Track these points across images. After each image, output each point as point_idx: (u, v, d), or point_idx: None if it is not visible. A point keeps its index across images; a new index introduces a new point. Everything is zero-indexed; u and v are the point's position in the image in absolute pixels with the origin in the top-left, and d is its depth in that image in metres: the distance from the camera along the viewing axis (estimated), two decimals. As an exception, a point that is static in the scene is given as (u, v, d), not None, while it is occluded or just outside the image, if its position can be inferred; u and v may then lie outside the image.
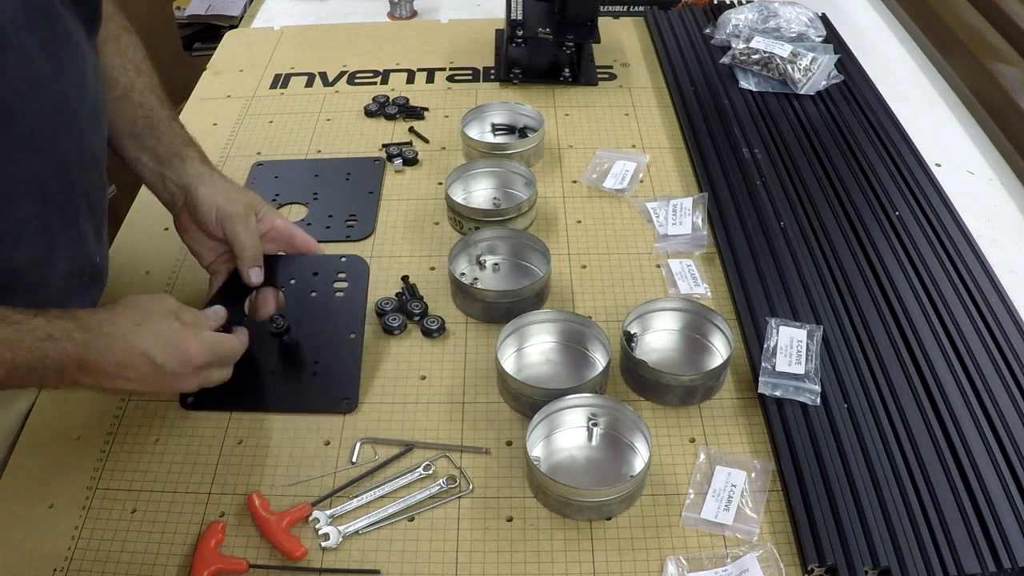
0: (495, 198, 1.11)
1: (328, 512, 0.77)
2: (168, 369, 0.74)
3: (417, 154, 1.19)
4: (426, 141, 1.22)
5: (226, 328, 0.83)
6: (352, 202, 1.11)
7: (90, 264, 0.86)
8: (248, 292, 0.90)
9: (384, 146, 1.21)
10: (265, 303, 0.90)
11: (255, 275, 0.88)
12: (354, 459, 0.81)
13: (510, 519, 0.76)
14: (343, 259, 0.93)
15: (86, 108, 0.79)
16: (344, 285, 0.92)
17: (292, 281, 0.92)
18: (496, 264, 1.01)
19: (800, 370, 0.85)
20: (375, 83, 1.36)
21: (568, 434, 0.82)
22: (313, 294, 0.91)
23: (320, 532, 0.75)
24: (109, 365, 0.71)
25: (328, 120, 1.28)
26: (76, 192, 0.81)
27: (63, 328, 0.70)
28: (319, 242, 1.04)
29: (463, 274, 0.98)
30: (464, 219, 1.04)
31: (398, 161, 1.17)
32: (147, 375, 0.73)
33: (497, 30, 1.47)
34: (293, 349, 0.88)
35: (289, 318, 0.88)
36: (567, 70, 1.32)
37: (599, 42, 1.30)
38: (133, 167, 0.91)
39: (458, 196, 1.08)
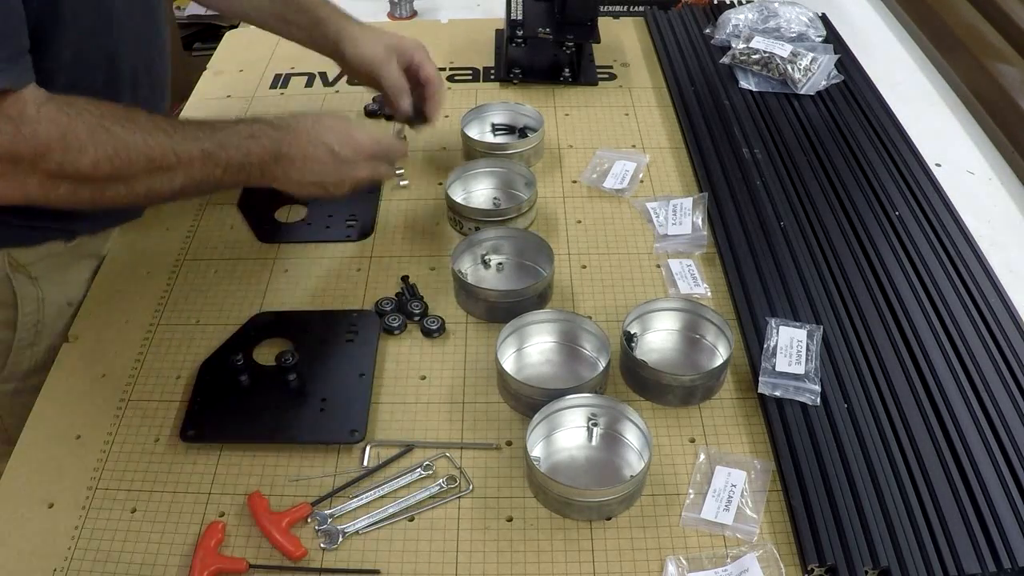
0: (495, 198, 1.11)
1: (328, 512, 0.77)
2: (343, 156, 0.90)
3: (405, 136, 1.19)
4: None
5: None
6: (352, 202, 1.11)
7: None
8: None
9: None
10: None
11: (404, 104, 1.04)
12: (365, 462, 0.81)
13: (510, 519, 0.76)
14: (354, 314, 0.95)
15: (158, 14, 0.96)
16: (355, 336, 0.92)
17: (303, 333, 0.93)
18: (500, 264, 1.01)
19: (800, 370, 0.85)
20: (375, 83, 1.36)
21: (568, 434, 0.82)
22: (323, 343, 0.92)
23: (320, 532, 0.75)
24: (297, 155, 0.88)
25: (328, 120, 1.27)
26: (156, 86, 0.97)
27: (261, 129, 0.87)
28: (319, 242, 1.05)
29: (466, 273, 0.97)
30: (464, 219, 1.04)
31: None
32: (327, 163, 0.90)
33: (497, 30, 1.47)
34: (301, 387, 0.87)
35: (298, 362, 0.88)
36: (567, 70, 1.32)
37: (599, 42, 1.30)
38: (289, 38, 1.10)
39: (458, 196, 1.08)
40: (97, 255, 1.04)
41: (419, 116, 1.06)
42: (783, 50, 1.30)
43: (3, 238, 0.91)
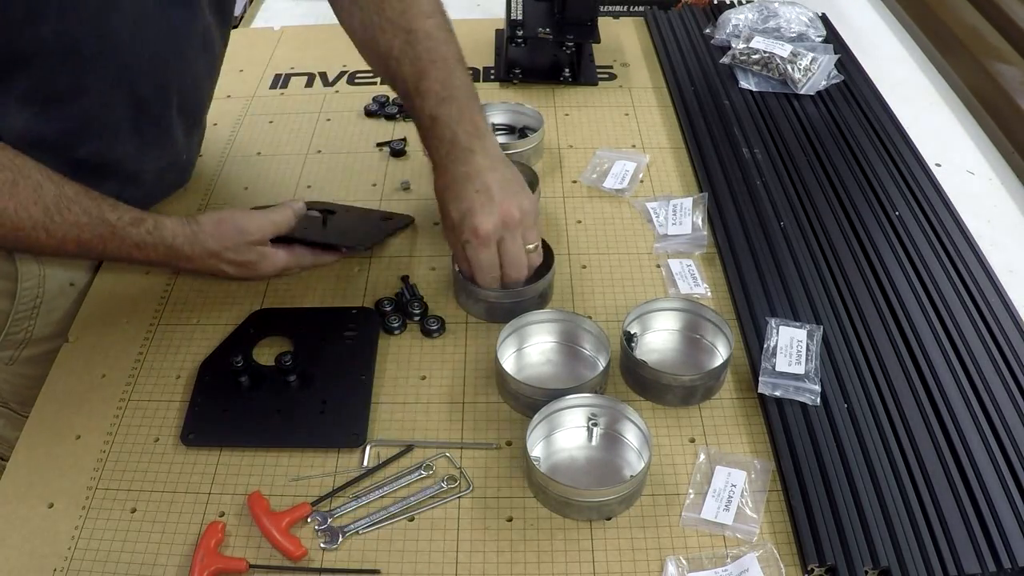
0: (496, 198, 1.11)
1: (328, 512, 0.77)
2: (242, 277, 0.93)
3: (405, 144, 1.20)
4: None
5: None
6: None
7: (178, 161, 1.04)
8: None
9: (378, 145, 1.21)
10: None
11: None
12: (365, 462, 0.81)
13: (510, 519, 0.76)
14: (353, 311, 0.95)
15: (192, 41, 0.93)
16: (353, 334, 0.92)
17: (302, 331, 0.92)
18: (499, 264, 1.01)
19: (800, 370, 0.85)
20: (375, 83, 1.36)
21: (568, 434, 0.82)
22: (323, 341, 0.92)
23: (320, 532, 0.75)
24: (187, 269, 0.92)
25: (328, 120, 1.27)
26: (170, 105, 0.96)
27: (152, 243, 0.85)
28: (330, 250, 1.02)
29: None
30: (464, 219, 1.04)
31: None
32: (224, 276, 0.92)
33: (497, 30, 1.47)
34: (300, 390, 0.87)
35: (298, 363, 0.88)
36: (567, 70, 1.32)
37: (599, 42, 1.30)
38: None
39: (458, 196, 1.08)
40: None
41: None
42: (783, 50, 1.30)
43: None
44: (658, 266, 1.01)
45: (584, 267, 1.01)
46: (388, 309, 0.95)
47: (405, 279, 0.99)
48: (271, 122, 1.28)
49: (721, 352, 0.88)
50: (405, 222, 1.07)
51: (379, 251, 1.04)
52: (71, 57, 0.82)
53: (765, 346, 0.87)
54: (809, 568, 0.72)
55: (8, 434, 0.84)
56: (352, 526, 0.76)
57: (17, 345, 0.99)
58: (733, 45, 1.35)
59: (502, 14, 1.34)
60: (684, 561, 0.72)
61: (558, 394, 0.81)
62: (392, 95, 1.31)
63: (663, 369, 0.85)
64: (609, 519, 0.76)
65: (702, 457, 0.80)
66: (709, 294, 0.97)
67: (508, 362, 0.88)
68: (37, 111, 0.84)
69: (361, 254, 1.02)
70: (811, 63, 1.28)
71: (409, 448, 0.82)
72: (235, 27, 1.55)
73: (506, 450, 0.82)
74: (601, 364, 0.87)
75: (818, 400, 0.83)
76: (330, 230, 1.01)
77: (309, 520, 0.76)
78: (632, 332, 0.89)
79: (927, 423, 0.82)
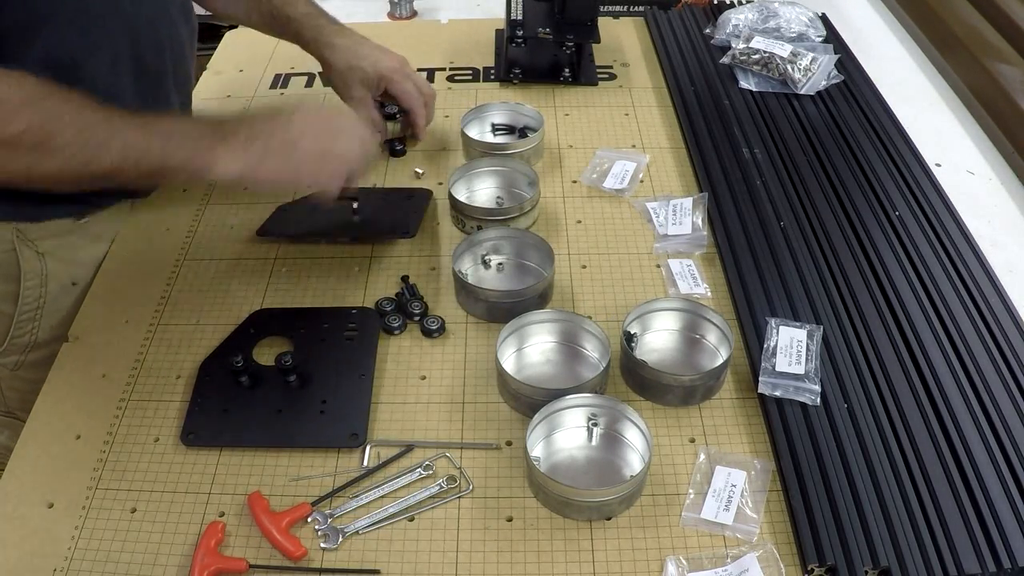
0: (498, 197, 1.11)
1: (328, 512, 0.77)
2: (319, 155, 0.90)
3: (405, 143, 1.21)
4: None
5: None
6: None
7: None
8: None
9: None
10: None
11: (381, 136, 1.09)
12: (365, 462, 0.81)
13: (510, 519, 0.76)
14: (353, 311, 0.95)
15: (175, 5, 1.01)
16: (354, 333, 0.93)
17: (302, 331, 0.93)
18: (500, 264, 1.01)
19: (800, 370, 0.85)
20: (375, 83, 1.36)
21: (568, 434, 0.82)
22: (323, 341, 0.92)
23: (320, 532, 0.75)
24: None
25: (328, 120, 1.27)
26: (166, 69, 1.00)
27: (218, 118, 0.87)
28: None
29: (466, 273, 0.97)
30: (467, 218, 1.04)
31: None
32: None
33: (497, 30, 1.47)
34: (300, 390, 0.87)
35: (298, 362, 0.88)
36: (567, 70, 1.32)
37: (599, 42, 1.30)
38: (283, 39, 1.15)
39: (461, 195, 1.08)
40: (106, 238, 1.04)
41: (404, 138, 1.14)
42: (783, 50, 1.30)
43: (11, 211, 0.92)
44: (658, 266, 1.01)
45: (584, 267, 1.01)
46: (388, 309, 0.95)
47: (405, 279, 0.99)
48: (271, 122, 1.27)
49: (721, 352, 0.88)
50: (426, 196, 1.09)
51: (379, 251, 1.04)
52: (81, 16, 0.86)
53: (765, 346, 0.87)
54: (809, 568, 0.72)
55: (13, 444, 0.84)
56: (352, 526, 0.76)
57: (22, 349, 0.99)
58: (733, 45, 1.35)
59: (502, 14, 1.34)
60: (684, 561, 0.72)
61: (558, 394, 0.81)
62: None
63: (663, 369, 0.85)
64: (609, 519, 0.76)
65: (702, 457, 0.80)
66: (709, 294, 0.97)
67: (508, 362, 0.88)
68: (52, 77, 0.84)
69: (400, 239, 1.06)
70: (811, 63, 1.28)
71: (409, 448, 0.82)
72: (234, 27, 1.55)
73: (506, 450, 0.82)
74: (601, 364, 0.87)
75: (818, 400, 0.83)
76: (362, 216, 1.04)
77: (309, 520, 0.76)
78: (632, 332, 0.89)
79: (927, 423, 0.82)
